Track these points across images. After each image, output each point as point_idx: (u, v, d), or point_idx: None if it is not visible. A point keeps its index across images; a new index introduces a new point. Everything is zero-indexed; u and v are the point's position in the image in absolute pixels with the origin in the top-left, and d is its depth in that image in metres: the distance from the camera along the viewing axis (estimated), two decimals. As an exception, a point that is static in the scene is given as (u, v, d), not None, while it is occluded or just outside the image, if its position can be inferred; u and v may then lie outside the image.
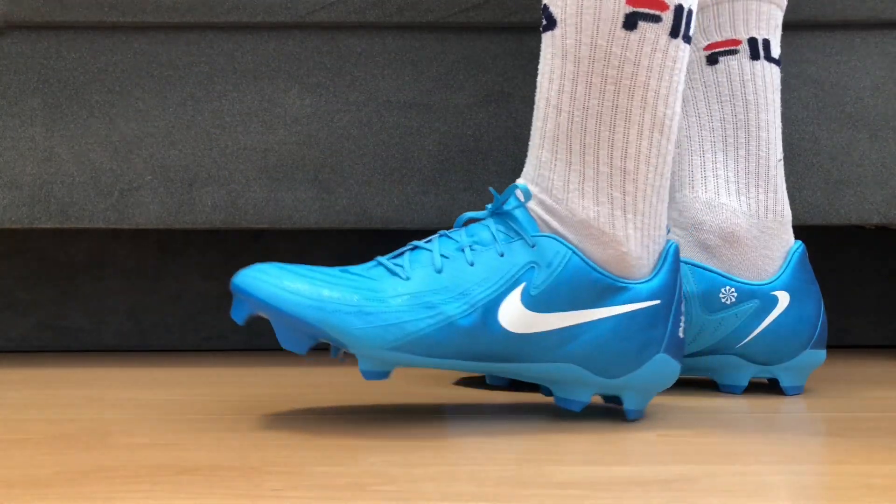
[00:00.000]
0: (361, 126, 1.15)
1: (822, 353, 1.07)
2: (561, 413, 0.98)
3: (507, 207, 0.90)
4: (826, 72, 1.16)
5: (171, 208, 1.15)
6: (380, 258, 0.89)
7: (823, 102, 1.16)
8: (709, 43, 1.05)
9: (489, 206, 0.91)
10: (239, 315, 0.88)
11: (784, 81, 1.15)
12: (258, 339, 1.33)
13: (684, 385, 1.10)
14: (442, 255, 0.89)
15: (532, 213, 0.90)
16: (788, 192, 1.16)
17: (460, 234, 0.90)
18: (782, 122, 1.15)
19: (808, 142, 1.16)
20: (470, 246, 0.89)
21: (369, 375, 0.88)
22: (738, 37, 1.05)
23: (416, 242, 0.91)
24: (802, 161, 1.16)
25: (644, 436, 0.90)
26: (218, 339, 1.33)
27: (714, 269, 1.04)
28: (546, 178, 0.90)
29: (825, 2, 1.14)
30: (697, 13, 1.05)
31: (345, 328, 0.85)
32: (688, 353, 1.05)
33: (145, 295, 1.32)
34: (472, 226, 0.91)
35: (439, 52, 1.15)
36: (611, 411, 0.98)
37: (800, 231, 1.33)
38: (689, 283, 1.04)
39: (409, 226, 1.16)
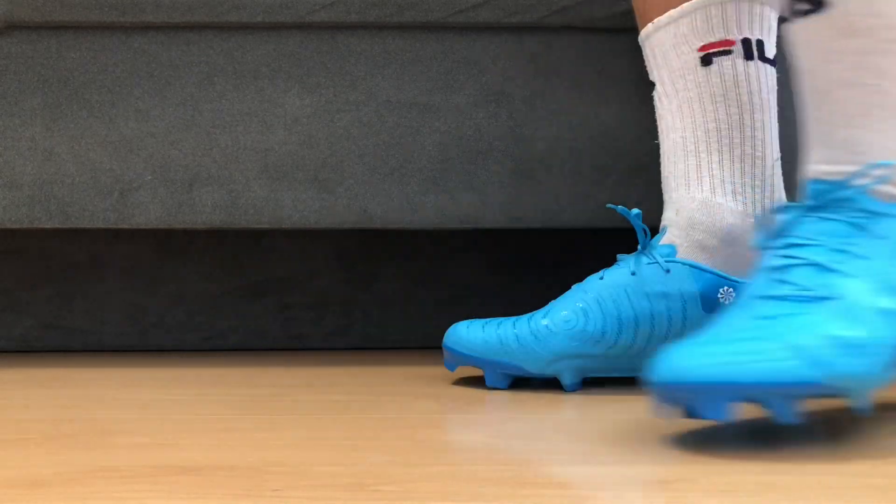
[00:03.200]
0: (361, 126, 1.15)
1: None
2: (560, 413, 0.98)
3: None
4: (826, 72, 1.15)
5: (171, 208, 1.15)
6: (755, 295, 0.84)
7: (823, 102, 1.16)
8: (703, 44, 1.05)
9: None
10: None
11: (784, 81, 1.15)
12: (258, 339, 1.33)
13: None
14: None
15: None
16: (788, 193, 1.15)
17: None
18: (782, 122, 1.15)
19: (808, 142, 1.16)
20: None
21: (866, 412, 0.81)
22: (731, 37, 1.05)
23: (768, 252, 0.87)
24: (802, 161, 1.16)
25: (644, 436, 0.90)
26: (218, 339, 1.33)
27: (712, 269, 1.04)
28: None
29: (825, 2, 1.14)
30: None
31: (850, 372, 0.79)
32: None
33: (145, 295, 1.32)
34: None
35: (439, 52, 1.15)
36: (609, 411, 0.98)
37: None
38: (688, 283, 1.04)
39: (409, 226, 1.16)
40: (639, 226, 1.07)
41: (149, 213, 1.15)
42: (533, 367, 1.05)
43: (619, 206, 1.07)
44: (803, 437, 0.89)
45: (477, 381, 1.10)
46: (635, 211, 1.07)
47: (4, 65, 1.14)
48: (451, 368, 1.10)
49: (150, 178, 1.15)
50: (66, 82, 1.14)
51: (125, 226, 1.16)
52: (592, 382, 1.08)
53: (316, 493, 0.73)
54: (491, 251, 1.34)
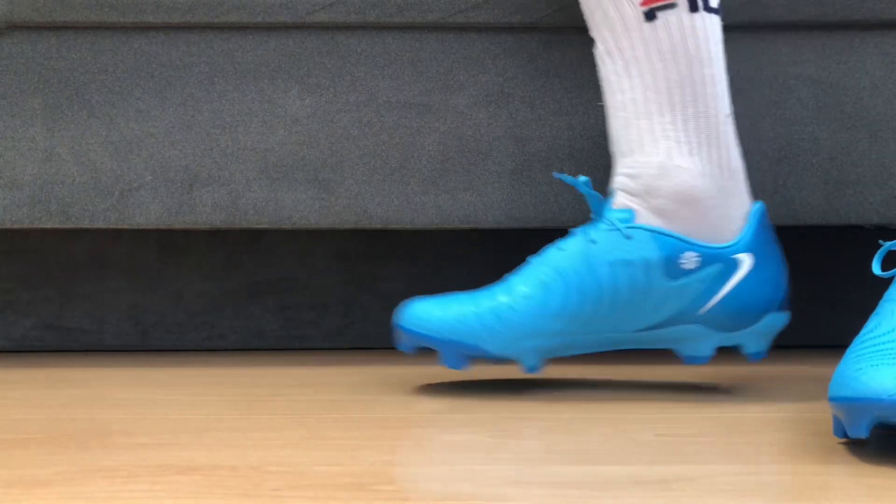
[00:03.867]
0: (361, 126, 1.15)
1: (787, 315, 1.05)
2: (560, 413, 0.98)
3: None
4: (826, 72, 1.16)
5: (171, 208, 1.15)
6: None
7: (823, 102, 1.16)
8: None
9: None
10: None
11: (784, 81, 1.15)
12: (258, 339, 1.33)
13: (684, 384, 1.10)
14: None
15: None
16: (788, 193, 1.15)
17: None
18: (781, 121, 1.15)
19: (807, 142, 1.16)
20: None
21: None
22: None
23: None
24: (802, 161, 1.16)
25: (643, 436, 0.90)
26: (218, 339, 1.33)
27: (674, 233, 1.01)
28: None
29: (825, 2, 1.14)
30: None
31: None
32: (650, 325, 1.03)
33: (145, 295, 1.32)
34: None
35: (439, 52, 1.15)
36: (609, 411, 0.98)
37: (800, 231, 1.33)
38: (650, 249, 1.01)
39: (409, 226, 1.16)
40: (590, 194, 1.03)
41: (149, 213, 1.15)
42: (494, 348, 1.02)
43: (565, 175, 1.03)
44: (802, 436, 0.89)
45: (477, 382, 1.10)
46: (583, 178, 1.03)
47: (4, 65, 1.14)
48: (407, 350, 1.06)
49: (150, 178, 1.15)
50: (66, 82, 1.14)
51: (125, 226, 1.15)
52: (592, 383, 1.08)
53: (316, 493, 0.74)
54: (491, 251, 1.34)
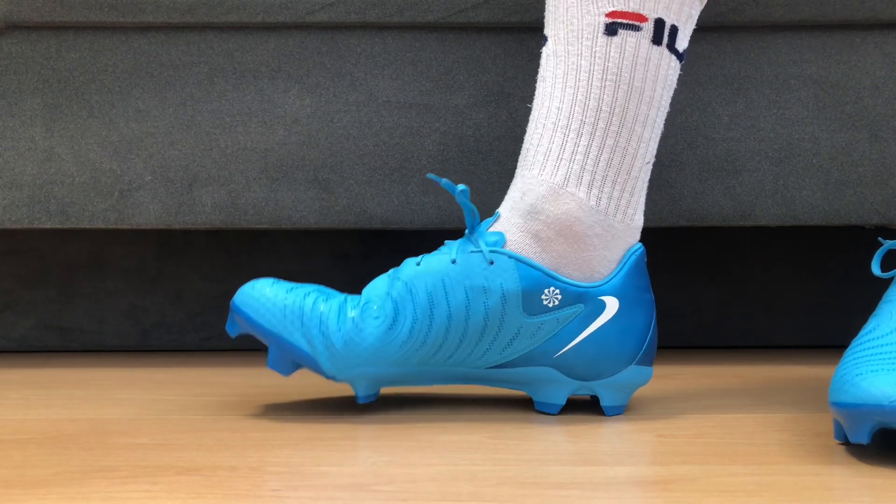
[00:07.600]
0: (361, 126, 1.15)
1: (649, 370, 0.97)
2: (560, 413, 0.97)
3: None
4: (826, 72, 1.16)
5: (171, 208, 1.15)
6: None
7: (823, 102, 1.16)
8: (613, 10, 0.93)
9: None
10: None
11: (784, 81, 1.15)
12: (258, 340, 1.33)
13: (683, 385, 1.10)
14: None
15: None
16: (788, 193, 1.16)
17: None
18: (781, 121, 1.15)
19: (808, 142, 1.16)
20: None
21: None
22: (645, 13, 0.93)
23: None
24: (802, 161, 1.16)
25: (644, 436, 0.90)
26: (218, 339, 1.33)
27: (540, 265, 0.94)
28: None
29: (825, 2, 1.14)
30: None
31: None
32: (501, 362, 0.95)
33: (145, 295, 1.32)
34: None
35: (439, 52, 1.15)
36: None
37: (800, 231, 1.33)
38: (511, 279, 0.93)
39: (409, 226, 1.16)
40: (466, 206, 0.95)
41: (149, 213, 1.15)
42: (328, 367, 0.94)
43: (444, 179, 0.95)
44: (802, 437, 0.89)
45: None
46: (461, 187, 0.95)
47: (4, 65, 1.14)
48: (232, 333, 0.98)
49: (150, 178, 1.15)
50: (66, 82, 1.14)
51: (125, 226, 1.16)
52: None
53: (316, 493, 0.74)
54: (491, 251, 1.34)
